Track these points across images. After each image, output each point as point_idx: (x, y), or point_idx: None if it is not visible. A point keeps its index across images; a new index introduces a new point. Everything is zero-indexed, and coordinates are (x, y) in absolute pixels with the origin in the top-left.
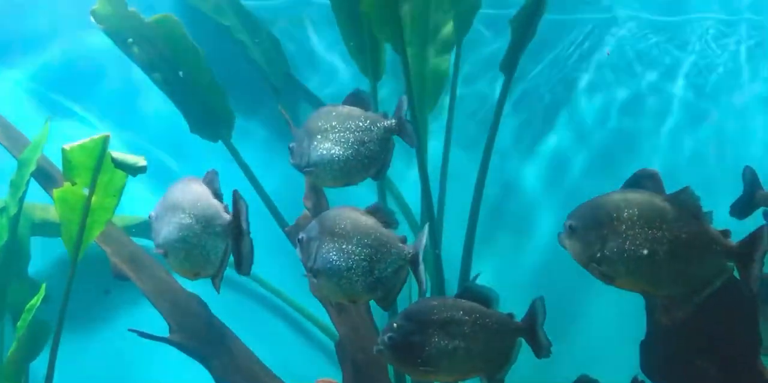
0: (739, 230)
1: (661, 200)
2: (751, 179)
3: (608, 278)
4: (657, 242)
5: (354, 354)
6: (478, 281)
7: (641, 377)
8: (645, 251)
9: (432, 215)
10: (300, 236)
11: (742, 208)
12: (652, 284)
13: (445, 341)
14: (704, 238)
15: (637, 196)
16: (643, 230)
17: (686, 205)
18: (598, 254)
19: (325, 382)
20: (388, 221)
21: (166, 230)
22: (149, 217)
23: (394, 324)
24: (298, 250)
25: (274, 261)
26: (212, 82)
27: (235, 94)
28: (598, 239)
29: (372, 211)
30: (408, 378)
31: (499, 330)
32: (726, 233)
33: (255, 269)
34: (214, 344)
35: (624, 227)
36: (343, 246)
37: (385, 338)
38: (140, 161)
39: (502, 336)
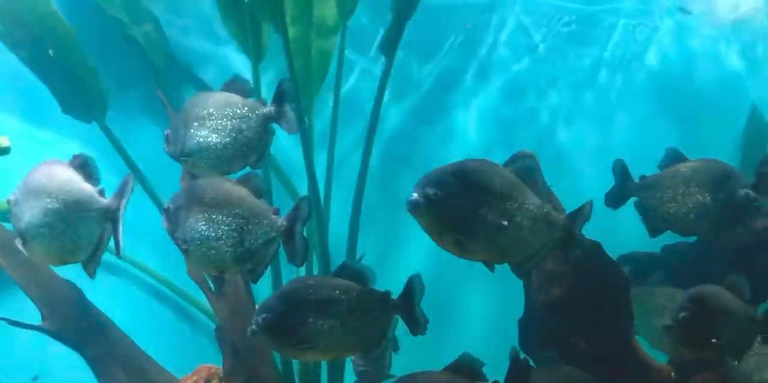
0: None
1: (508, 171)
2: (621, 171)
3: (462, 249)
4: (512, 214)
5: (234, 338)
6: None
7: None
8: (505, 222)
9: (318, 197)
10: (166, 206)
11: (615, 198)
12: (501, 253)
13: (322, 320)
14: (543, 209)
15: (490, 165)
16: (503, 201)
17: (526, 176)
18: (461, 224)
19: (206, 368)
20: (259, 191)
21: (29, 215)
22: (7, 201)
23: (269, 305)
24: (163, 219)
25: (152, 245)
26: (84, 61)
27: (112, 75)
28: (462, 208)
29: (242, 180)
30: (294, 361)
31: (376, 308)
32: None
33: (133, 253)
34: (90, 331)
35: (488, 196)
36: (213, 216)
37: (260, 319)
38: (3, 141)
39: (378, 315)
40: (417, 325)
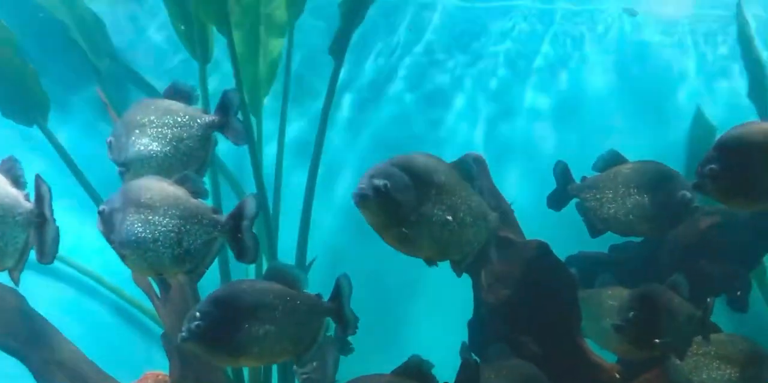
0: None
1: (450, 167)
2: (562, 173)
3: (407, 244)
4: (455, 209)
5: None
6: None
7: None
8: (449, 217)
9: (265, 198)
10: (101, 208)
11: (557, 200)
12: (442, 250)
13: (256, 326)
14: (482, 207)
15: (434, 160)
16: (448, 196)
17: (466, 173)
18: (408, 218)
19: (153, 375)
20: (197, 191)
21: None
22: None
23: (201, 312)
24: (98, 222)
25: (99, 250)
26: (24, 64)
27: (54, 77)
28: (410, 201)
29: (180, 181)
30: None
31: (309, 311)
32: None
33: (79, 259)
34: (33, 339)
35: (433, 190)
36: (150, 217)
37: (192, 326)
38: None
39: (311, 318)
40: (348, 326)
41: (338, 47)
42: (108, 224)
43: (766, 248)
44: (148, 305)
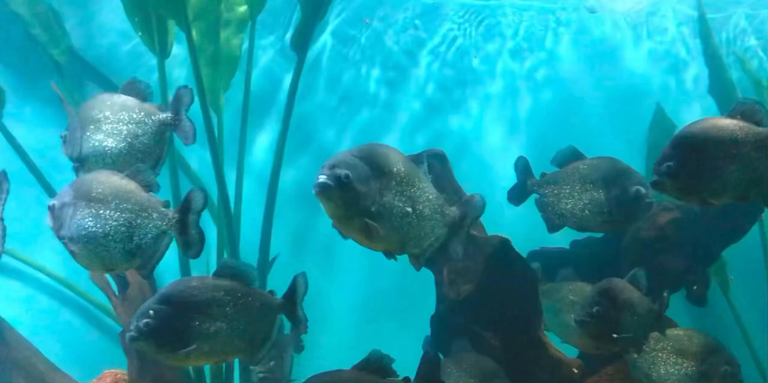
0: None
1: (408, 159)
2: (523, 168)
3: (369, 236)
4: (414, 201)
5: None
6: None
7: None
8: (409, 209)
9: (227, 196)
10: (51, 203)
11: (517, 195)
12: (401, 242)
13: (208, 323)
14: (439, 200)
15: (392, 151)
16: (407, 187)
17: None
18: (372, 208)
19: (112, 374)
20: (149, 185)
21: None
22: None
23: (150, 310)
24: (48, 217)
25: (57, 248)
26: None
27: (9, 70)
28: (371, 192)
29: (132, 174)
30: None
31: (262, 308)
32: None
33: (35, 256)
34: None
35: (394, 181)
36: (100, 211)
37: (141, 324)
38: None
39: (264, 315)
40: (299, 324)
41: (300, 42)
42: (58, 219)
43: (725, 243)
44: (106, 303)
